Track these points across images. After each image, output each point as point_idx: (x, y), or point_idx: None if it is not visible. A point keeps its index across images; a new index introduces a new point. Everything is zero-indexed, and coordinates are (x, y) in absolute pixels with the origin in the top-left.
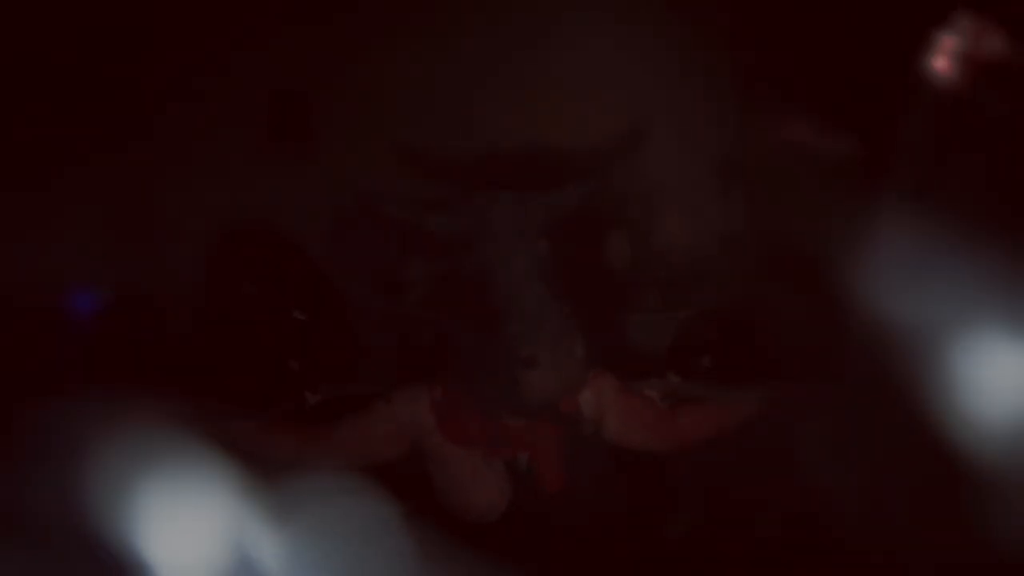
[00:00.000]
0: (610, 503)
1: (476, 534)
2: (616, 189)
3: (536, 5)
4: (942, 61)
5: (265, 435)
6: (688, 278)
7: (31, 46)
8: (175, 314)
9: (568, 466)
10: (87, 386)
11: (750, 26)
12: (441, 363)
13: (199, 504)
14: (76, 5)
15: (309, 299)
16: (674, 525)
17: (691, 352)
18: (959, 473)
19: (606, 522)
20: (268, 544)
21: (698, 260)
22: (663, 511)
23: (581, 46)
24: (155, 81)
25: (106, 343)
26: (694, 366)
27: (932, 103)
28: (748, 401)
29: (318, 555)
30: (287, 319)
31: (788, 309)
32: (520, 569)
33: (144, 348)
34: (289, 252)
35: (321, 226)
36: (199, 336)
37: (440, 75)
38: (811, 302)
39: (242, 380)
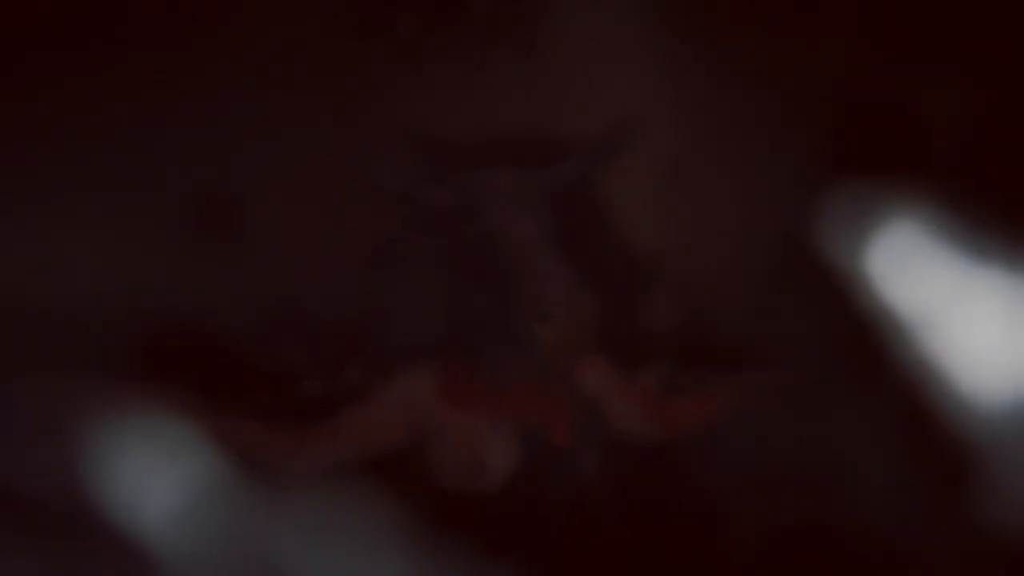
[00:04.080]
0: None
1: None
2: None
3: None
4: None
5: (260, 431)
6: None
7: None
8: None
9: (576, 424)
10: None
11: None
12: (445, 335)
13: (192, 489)
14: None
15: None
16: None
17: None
18: (955, 460)
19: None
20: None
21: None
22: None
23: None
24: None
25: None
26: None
27: None
28: (740, 390)
29: (316, 543)
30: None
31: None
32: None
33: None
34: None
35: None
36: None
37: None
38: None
39: (233, 372)
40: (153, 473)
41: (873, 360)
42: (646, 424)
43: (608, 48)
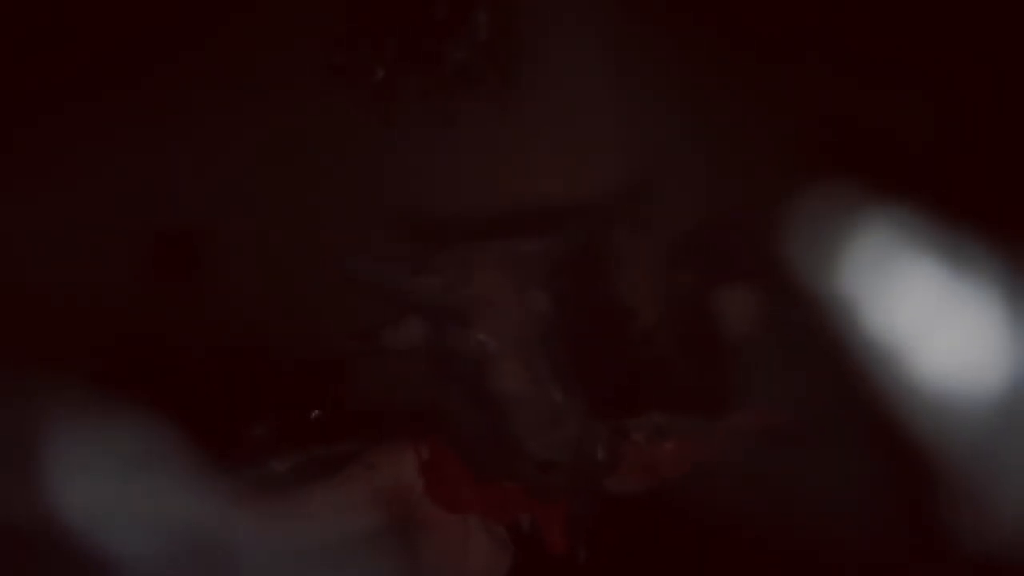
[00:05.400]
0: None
1: None
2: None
3: None
4: None
5: (225, 509)
6: None
7: None
8: None
9: (573, 525)
10: None
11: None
12: (433, 419)
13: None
14: None
15: None
16: None
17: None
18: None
19: None
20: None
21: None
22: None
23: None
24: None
25: None
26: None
27: None
28: (728, 434)
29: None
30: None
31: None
32: None
33: None
34: None
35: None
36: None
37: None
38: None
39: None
40: (122, 486)
41: (856, 390)
42: (630, 478)
43: (583, 100)
